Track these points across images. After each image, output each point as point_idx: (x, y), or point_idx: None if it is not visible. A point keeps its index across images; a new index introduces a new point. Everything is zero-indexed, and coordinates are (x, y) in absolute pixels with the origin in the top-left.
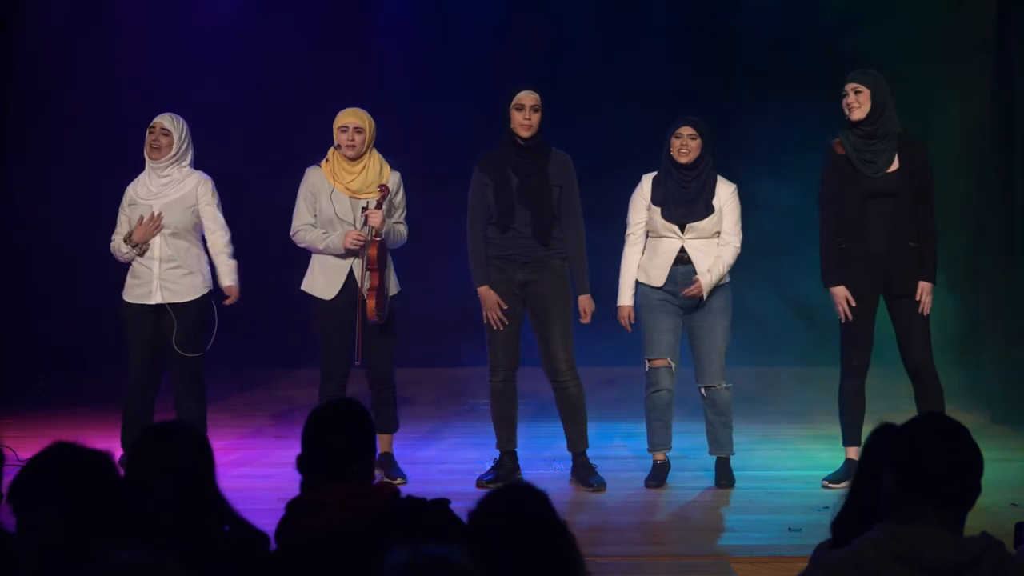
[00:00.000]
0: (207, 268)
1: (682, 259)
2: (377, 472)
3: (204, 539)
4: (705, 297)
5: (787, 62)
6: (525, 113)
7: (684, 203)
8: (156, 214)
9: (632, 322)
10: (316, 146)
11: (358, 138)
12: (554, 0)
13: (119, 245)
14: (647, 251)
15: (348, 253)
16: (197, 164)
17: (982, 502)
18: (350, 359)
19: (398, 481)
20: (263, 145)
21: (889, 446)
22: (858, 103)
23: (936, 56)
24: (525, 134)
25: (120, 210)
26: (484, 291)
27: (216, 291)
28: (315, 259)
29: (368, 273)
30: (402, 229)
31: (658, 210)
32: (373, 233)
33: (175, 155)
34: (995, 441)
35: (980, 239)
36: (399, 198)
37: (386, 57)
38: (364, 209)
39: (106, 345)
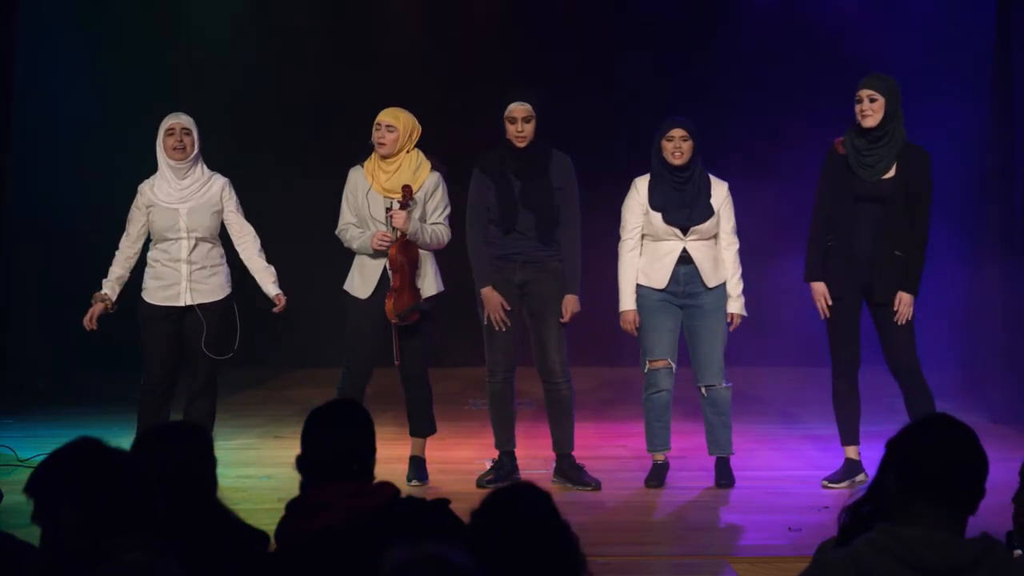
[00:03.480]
0: (227, 268)
1: (684, 259)
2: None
3: (204, 539)
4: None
5: (787, 66)
6: (518, 126)
7: (685, 206)
8: (102, 305)
9: (637, 326)
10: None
11: (389, 136)
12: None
13: (120, 264)
14: (646, 254)
15: (377, 253)
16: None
17: (982, 503)
18: (374, 359)
19: (413, 484)
20: (267, 143)
21: (894, 446)
22: (872, 111)
23: (936, 58)
24: (520, 145)
25: (134, 208)
26: (488, 292)
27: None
28: (356, 258)
29: (391, 274)
30: (441, 230)
31: (658, 215)
32: (397, 234)
33: (197, 155)
34: (995, 441)
35: (980, 239)
36: (437, 199)
37: (388, 58)
38: (388, 210)
39: (106, 345)
